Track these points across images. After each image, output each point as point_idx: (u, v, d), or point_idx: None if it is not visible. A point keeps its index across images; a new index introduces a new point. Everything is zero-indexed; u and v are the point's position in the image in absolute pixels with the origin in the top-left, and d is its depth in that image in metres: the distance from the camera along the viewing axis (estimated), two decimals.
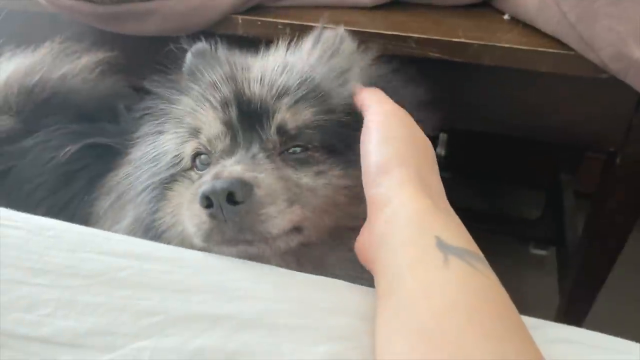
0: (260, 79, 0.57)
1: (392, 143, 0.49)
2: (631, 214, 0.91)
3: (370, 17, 0.89)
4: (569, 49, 0.77)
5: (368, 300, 0.43)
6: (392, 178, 0.46)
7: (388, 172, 0.46)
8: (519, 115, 0.89)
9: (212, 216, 0.48)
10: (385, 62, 0.65)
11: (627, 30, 0.72)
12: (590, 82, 0.79)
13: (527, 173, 1.59)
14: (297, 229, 0.52)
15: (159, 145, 0.61)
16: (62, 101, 0.80)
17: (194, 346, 0.40)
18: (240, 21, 0.88)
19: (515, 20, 0.86)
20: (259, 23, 0.87)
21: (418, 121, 0.53)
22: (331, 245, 0.56)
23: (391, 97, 0.56)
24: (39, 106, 0.79)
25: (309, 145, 0.55)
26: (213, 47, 0.64)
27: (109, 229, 0.59)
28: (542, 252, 1.52)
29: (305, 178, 0.54)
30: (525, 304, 0.43)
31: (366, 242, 0.47)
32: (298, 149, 0.55)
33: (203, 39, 0.66)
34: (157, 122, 0.62)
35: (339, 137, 0.55)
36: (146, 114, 0.64)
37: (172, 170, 0.59)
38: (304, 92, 0.56)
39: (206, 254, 0.50)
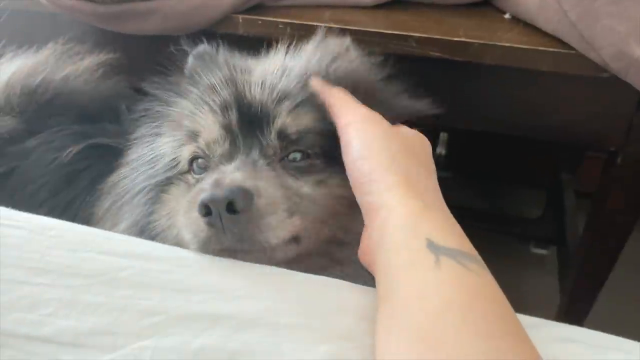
0: (261, 83, 0.56)
1: (375, 150, 0.48)
2: (632, 213, 0.91)
3: (371, 16, 0.89)
4: (570, 48, 0.77)
5: (368, 300, 0.43)
6: (379, 184, 0.46)
7: (375, 179, 0.46)
8: (519, 114, 0.89)
9: (210, 224, 0.47)
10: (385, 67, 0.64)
11: (628, 29, 0.72)
12: (591, 81, 0.79)
13: (528, 172, 1.59)
14: (295, 239, 0.51)
15: (155, 148, 0.60)
16: (65, 102, 0.80)
17: (194, 346, 0.40)
18: (240, 20, 0.88)
19: (516, 20, 0.86)
20: (260, 22, 0.87)
21: (417, 126, 0.53)
22: (324, 256, 0.55)
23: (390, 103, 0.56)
24: (42, 107, 0.79)
25: (309, 151, 0.55)
26: (214, 49, 0.64)
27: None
28: (543, 252, 1.52)
29: (305, 187, 0.53)
30: (526, 304, 0.43)
31: (366, 248, 0.47)
32: (298, 156, 0.54)
33: (205, 40, 0.65)
34: (154, 124, 0.62)
35: (339, 142, 0.54)
36: (143, 115, 0.64)
37: (169, 173, 0.59)
38: (305, 97, 0.55)
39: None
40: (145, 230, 0.58)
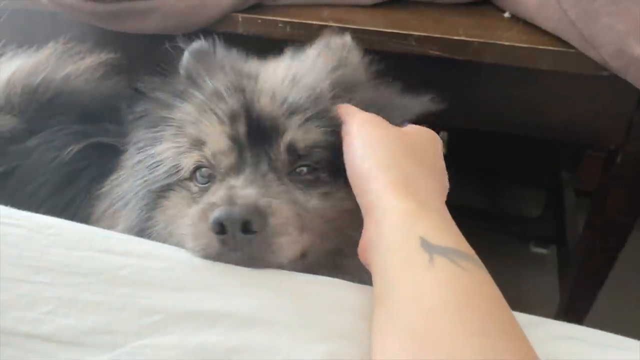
0: (272, 94, 0.55)
1: (372, 149, 0.49)
2: (631, 212, 0.91)
3: (371, 15, 0.89)
4: (570, 46, 0.77)
5: (367, 299, 0.44)
6: (377, 184, 0.46)
7: (372, 178, 0.47)
8: (519, 113, 0.89)
9: (222, 242, 0.47)
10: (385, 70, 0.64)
11: (628, 27, 0.72)
12: (590, 79, 0.79)
13: (528, 171, 1.59)
14: (302, 255, 0.52)
15: (156, 154, 0.59)
16: (66, 101, 0.80)
17: (194, 344, 0.40)
18: (240, 19, 0.88)
19: (516, 18, 0.86)
20: (259, 21, 0.87)
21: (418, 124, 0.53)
22: (327, 267, 0.55)
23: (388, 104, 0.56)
24: (43, 106, 0.79)
25: (317, 166, 0.54)
26: (211, 47, 0.63)
27: None
28: (543, 251, 1.52)
29: (312, 200, 0.53)
30: (526, 302, 0.43)
31: (364, 247, 0.47)
32: (305, 169, 0.54)
33: (202, 37, 0.64)
34: (154, 128, 0.60)
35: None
36: (142, 116, 0.62)
37: (169, 180, 0.57)
38: (315, 111, 0.55)
39: None
40: (142, 235, 0.57)
